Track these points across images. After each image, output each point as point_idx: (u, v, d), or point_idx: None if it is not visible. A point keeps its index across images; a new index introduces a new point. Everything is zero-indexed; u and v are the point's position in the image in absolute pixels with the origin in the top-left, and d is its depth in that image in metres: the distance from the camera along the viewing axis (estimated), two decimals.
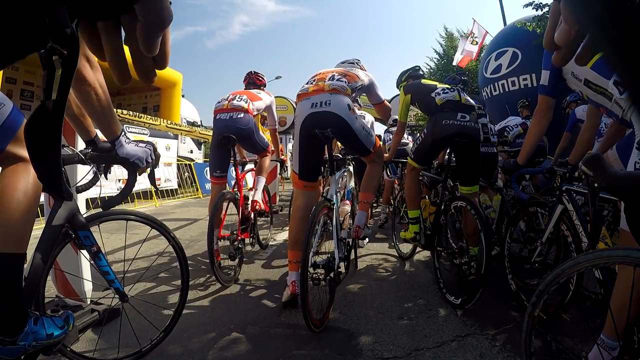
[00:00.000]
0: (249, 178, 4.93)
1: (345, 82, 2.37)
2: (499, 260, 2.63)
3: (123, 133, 1.32)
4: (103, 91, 1.16)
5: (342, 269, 2.26)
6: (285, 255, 3.39)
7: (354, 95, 2.44)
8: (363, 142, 2.37)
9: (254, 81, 3.56)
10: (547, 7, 6.52)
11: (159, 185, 8.43)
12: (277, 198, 7.03)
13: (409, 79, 3.14)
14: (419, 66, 3.24)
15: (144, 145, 1.38)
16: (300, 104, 2.38)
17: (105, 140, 1.32)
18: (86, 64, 1.12)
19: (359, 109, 3.10)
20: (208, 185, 9.27)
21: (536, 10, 6.78)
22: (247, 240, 3.12)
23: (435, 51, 20.28)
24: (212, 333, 2.00)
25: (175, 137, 10.37)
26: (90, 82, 1.12)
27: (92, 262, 1.45)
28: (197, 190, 9.76)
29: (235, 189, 3.09)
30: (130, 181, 1.38)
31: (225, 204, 2.87)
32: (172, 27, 0.36)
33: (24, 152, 1.10)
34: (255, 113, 3.17)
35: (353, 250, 2.74)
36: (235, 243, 2.87)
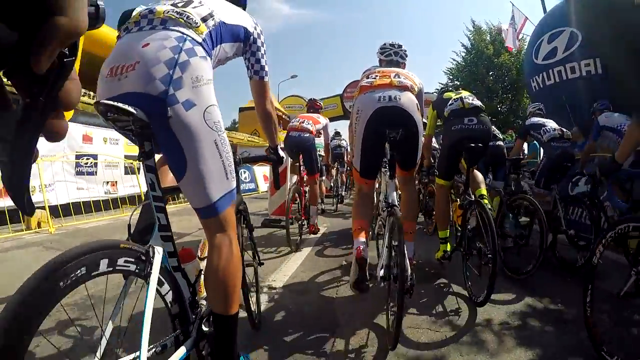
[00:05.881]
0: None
1: (409, 83, 2.40)
2: None
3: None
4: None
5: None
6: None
7: None
8: (418, 151, 2.45)
9: (313, 106, 5.11)
10: None
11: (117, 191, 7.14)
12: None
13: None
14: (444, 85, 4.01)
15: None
16: (363, 96, 2.40)
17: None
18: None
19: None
20: None
21: None
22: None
23: (463, 45, 20.14)
24: None
25: None
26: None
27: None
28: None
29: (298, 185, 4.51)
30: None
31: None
32: None
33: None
34: (315, 133, 4.50)
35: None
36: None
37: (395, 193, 2.33)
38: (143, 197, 5.32)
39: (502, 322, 2.30)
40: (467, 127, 2.88)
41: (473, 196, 3.02)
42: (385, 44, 2.85)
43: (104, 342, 0.98)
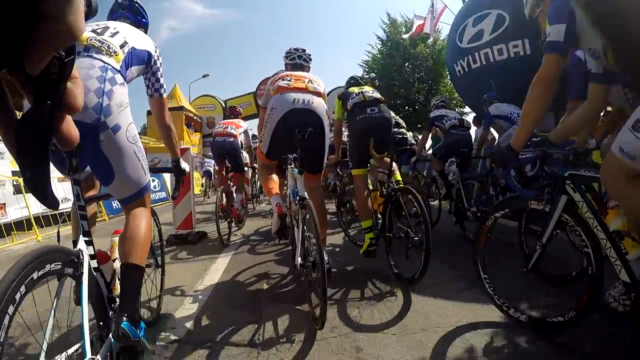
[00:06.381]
0: None
1: (321, 90, 2.77)
2: None
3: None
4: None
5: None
6: None
7: None
8: (324, 155, 2.82)
9: (233, 112, 5.87)
10: None
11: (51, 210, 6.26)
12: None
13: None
14: (352, 76, 3.92)
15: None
16: (279, 96, 2.66)
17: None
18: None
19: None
20: (116, 203, 7.42)
21: None
22: None
23: (378, 37, 20.75)
24: None
25: None
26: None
27: None
28: (102, 211, 7.36)
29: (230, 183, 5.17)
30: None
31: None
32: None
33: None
34: (238, 136, 5.08)
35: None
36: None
37: (304, 187, 2.51)
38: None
39: (429, 294, 2.57)
40: (369, 116, 3.18)
41: (394, 183, 3.27)
42: (290, 49, 3.14)
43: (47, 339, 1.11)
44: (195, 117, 18.06)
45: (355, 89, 3.49)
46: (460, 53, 7.60)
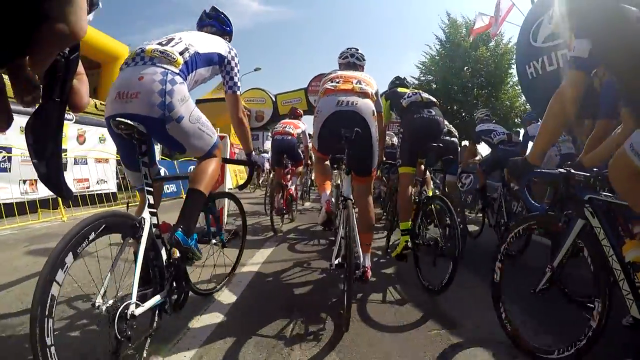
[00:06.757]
0: None
1: (369, 89, 2.73)
2: None
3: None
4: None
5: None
6: None
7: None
8: (373, 157, 2.74)
9: (294, 113, 6.38)
10: None
11: (87, 187, 7.06)
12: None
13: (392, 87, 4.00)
14: (397, 76, 4.12)
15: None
16: (325, 98, 2.71)
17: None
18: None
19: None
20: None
21: None
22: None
23: (437, 37, 20.44)
24: None
25: None
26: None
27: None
28: (136, 195, 8.13)
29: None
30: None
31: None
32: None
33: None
34: (296, 136, 5.74)
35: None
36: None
37: (350, 187, 2.58)
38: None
39: (455, 303, 2.65)
40: (427, 117, 3.34)
41: (425, 192, 3.36)
42: (343, 50, 3.25)
43: (105, 285, 1.46)
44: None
45: (406, 90, 3.59)
46: (535, 53, 6.64)
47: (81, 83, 0.54)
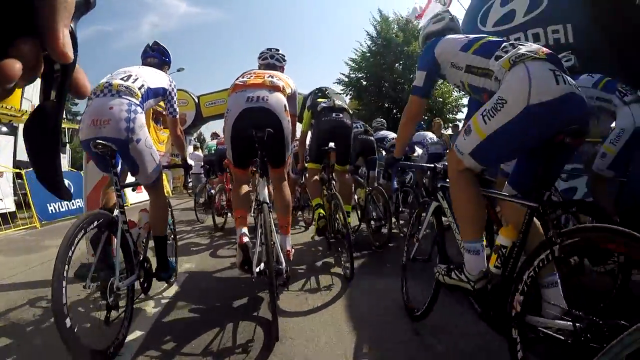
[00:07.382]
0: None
1: (281, 83, 2.76)
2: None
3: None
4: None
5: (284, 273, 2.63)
6: None
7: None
8: (286, 148, 2.77)
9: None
10: None
11: None
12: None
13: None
14: (320, 88, 4.43)
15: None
16: (234, 95, 2.68)
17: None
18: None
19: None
20: (51, 206, 7.32)
21: None
22: None
23: (368, 33, 19.85)
24: None
25: (12, 130, 7.76)
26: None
27: None
28: (33, 215, 6.77)
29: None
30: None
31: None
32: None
33: None
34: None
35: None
36: None
37: (266, 190, 2.61)
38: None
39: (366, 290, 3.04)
40: (334, 119, 3.88)
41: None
42: (263, 50, 3.33)
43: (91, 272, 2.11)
44: (164, 112, 17.10)
45: (325, 100, 4.10)
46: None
47: (78, 72, 0.51)
